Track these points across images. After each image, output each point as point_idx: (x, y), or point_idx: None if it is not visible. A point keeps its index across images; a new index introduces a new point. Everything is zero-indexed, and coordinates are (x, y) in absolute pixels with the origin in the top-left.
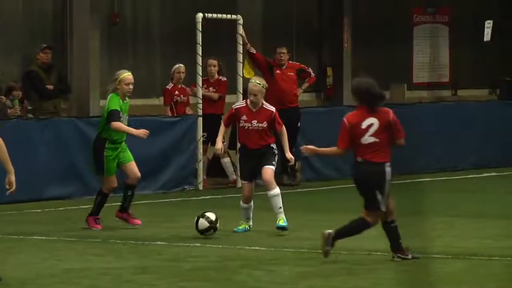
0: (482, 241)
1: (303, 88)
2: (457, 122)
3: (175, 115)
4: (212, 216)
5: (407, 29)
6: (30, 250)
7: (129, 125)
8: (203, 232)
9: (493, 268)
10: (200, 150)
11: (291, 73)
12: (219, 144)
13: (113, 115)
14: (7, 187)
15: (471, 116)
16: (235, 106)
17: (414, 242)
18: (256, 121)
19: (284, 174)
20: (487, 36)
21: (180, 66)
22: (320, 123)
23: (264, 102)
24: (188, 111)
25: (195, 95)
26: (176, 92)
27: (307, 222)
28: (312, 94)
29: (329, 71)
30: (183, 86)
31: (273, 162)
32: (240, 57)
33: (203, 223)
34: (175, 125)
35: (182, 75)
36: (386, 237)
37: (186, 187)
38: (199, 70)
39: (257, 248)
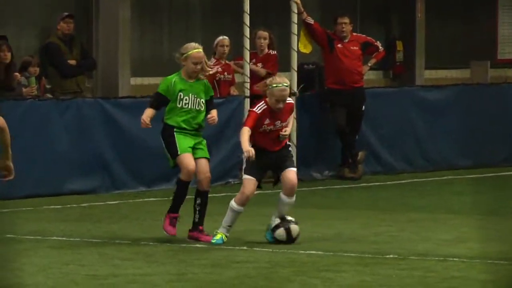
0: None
1: (369, 65)
2: None
3: (218, 96)
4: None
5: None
6: (48, 253)
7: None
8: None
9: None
10: None
11: (355, 47)
12: (249, 147)
13: (151, 98)
14: (4, 173)
15: None
16: (258, 109)
17: (493, 247)
18: (279, 122)
19: (345, 166)
20: None
21: (224, 39)
22: (388, 106)
23: None
24: (233, 91)
25: (241, 71)
26: (219, 69)
27: (370, 222)
28: (379, 72)
29: (399, 45)
30: (227, 61)
31: (295, 165)
32: (295, 28)
33: (295, 228)
34: (217, 108)
35: (226, 49)
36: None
37: (230, 180)
38: (247, 43)
39: (312, 252)
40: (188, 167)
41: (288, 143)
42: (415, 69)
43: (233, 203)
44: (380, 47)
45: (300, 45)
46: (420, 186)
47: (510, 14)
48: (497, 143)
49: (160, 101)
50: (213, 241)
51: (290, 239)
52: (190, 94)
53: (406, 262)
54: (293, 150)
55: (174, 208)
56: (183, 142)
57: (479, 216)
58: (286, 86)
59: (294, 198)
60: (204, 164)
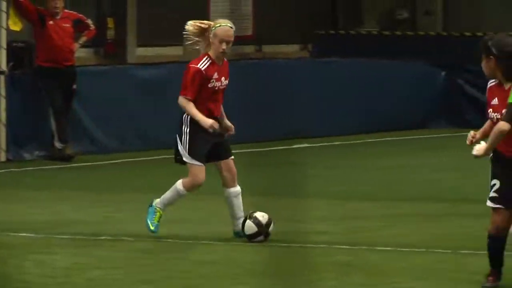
0: (295, 225)
1: (80, 42)
2: (263, 83)
3: None
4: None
5: None
6: None
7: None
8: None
9: (306, 257)
10: None
11: (67, 25)
12: (208, 119)
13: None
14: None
15: (279, 76)
16: (202, 65)
17: (212, 227)
18: (224, 78)
19: (57, 146)
20: None
21: None
22: (100, 84)
23: None
24: None
25: None
26: None
27: (83, 203)
28: (90, 50)
29: (110, 22)
30: None
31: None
32: (4, 5)
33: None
34: None
35: None
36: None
37: None
38: None
39: (23, 234)
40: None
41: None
42: (127, 46)
43: (181, 188)
44: (91, 25)
45: (10, 23)
46: (136, 166)
47: None
48: None
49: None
50: (152, 228)
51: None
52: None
53: (120, 243)
54: (1, 130)
55: None
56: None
57: (199, 195)
58: (231, 27)
59: (237, 189)
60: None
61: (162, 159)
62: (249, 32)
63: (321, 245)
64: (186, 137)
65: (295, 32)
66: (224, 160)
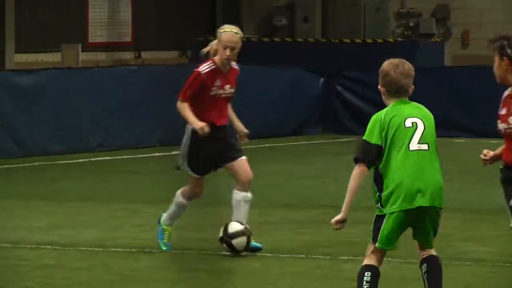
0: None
1: None
2: (142, 89)
3: None
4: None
5: None
6: None
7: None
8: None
9: (185, 264)
10: None
11: None
12: (200, 122)
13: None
14: None
15: (158, 82)
16: (203, 69)
17: (88, 234)
18: (228, 86)
19: None
20: None
21: None
22: None
23: None
24: None
25: None
26: None
27: None
28: None
29: None
30: None
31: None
32: None
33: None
34: None
35: None
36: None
37: None
38: None
39: None
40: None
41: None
42: (6, 53)
43: (180, 198)
44: None
45: None
46: (11, 173)
47: None
48: (89, 129)
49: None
50: (164, 248)
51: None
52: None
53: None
54: None
55: None
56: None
57: (72, 202)
58: (236, 32)
59: (249, 194)
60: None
61: (38, 166)
62: (128, 39)
63: (203, 251)
64: (186, 148)
65: (174, 39)
66: (236, 160)
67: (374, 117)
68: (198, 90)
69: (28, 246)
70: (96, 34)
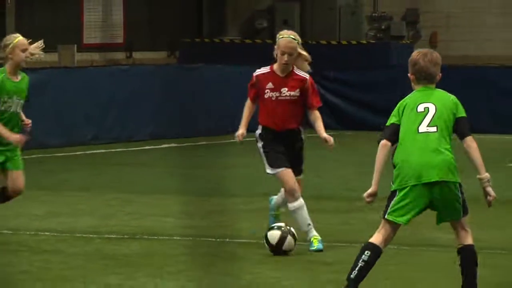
0: (161, 220)
1: None
2: (133, 87)
3: None
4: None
5: None
6: None
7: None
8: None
9: (173, 249)
10: None
11: None
12: (241, 129)
13: None
14: None
15: (148, 81)
16: (258, 72)
17: (84, 221)
18: (286, 89)
19: None
20: None
21: None
22: None
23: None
24: None
25: None
26: None
27: None
28: None
29: None
30: None
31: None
32: None
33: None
34: None
35: None
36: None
37: None
38: None
39: None
40: None
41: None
42: None
43: (289, 204)
44: None
45: None
46: None
47: (94, 0)
48: (85, 123)
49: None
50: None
51: (278, 249)
52: (14, 96)
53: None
54: None
55: None
56: None
57: (69, 192)
58: (293, 38)
59: (296, 203)
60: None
61: (37, 158)
62: (120, 40)
63: (189, 238)
64: (261, 151)
65: (163, 40)
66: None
67: (399, 103)
68: (255, 91)
69: (28, 232)
70: (91, 36)
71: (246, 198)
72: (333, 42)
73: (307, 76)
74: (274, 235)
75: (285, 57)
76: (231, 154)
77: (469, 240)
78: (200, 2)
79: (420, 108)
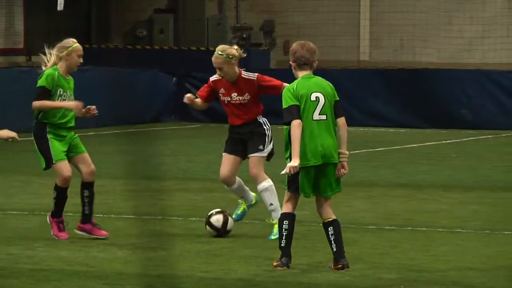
0: None
1: None
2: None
3: None
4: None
5: None
6: None
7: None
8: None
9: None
10: None
11: None
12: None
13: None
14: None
15: None
16: (213, 77)
17: None
18: (235, 94)
19: None
20: (60, 6)
21: None
22: None
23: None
24: None
25: None
26: None
27: None
28: None
29: None
30: None
31: (261, 147)
32: None
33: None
34: None
35: None
36: None
37: None
38: None
39: None
40: (66, 174)
41: (259, 119)
42: None
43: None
44: None
45: None
46: None
47: (1, 10)
48: None
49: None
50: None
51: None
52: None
53: None
54: None
55: (59, 213)
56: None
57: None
58: (220, 54)
59: (260, 186)
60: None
61: None
62: (21, 45)
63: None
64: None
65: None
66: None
67: (286, 89)
68: (208, 92)
69: None
70: None
71: (127, 181)
72: (202, 48)
73: (254, 76)
74: (218, 219)
75: (217, 72)
76: (116, 143)
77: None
78: (89, 13)
79: (313, 97)
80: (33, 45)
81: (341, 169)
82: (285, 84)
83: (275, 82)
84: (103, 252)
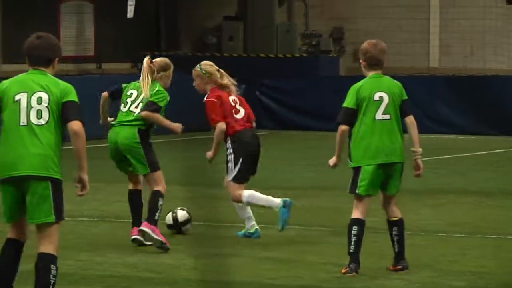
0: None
1: None
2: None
3: None
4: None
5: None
6: None
7: None
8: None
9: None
10: None
11: None
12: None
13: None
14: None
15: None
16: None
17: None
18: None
19: None
20: (130, 13)
21: None
22: None
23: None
24: None
25: None
26: None
27: None
28: None
29: None
30: None
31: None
32: None
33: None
34: None
35: None
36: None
37: None
38: None
39: None
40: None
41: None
42: None
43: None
44: None
45: None
46: None
47: (70, 19)
48: None
49: None
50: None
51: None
52: None
53: None
54: None
55: (154, 221)
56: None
57: None
58: (198, 66)
59: (238, 204)
60: None
61: None
62: (91, 53)
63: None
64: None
65: (127, 53)
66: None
67: (352, 87)
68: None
69: None
70: (65, 49)
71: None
72: (271, 55)
73: (205, 98)
74: (183, 214)
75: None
76: None
77: (399, 214)
78: (158, 20)
79: (376, 97)
80: (102, 53)
81: (415, 167)
82: (218, 124)
83: (209, 116)
84: (171, 259)
